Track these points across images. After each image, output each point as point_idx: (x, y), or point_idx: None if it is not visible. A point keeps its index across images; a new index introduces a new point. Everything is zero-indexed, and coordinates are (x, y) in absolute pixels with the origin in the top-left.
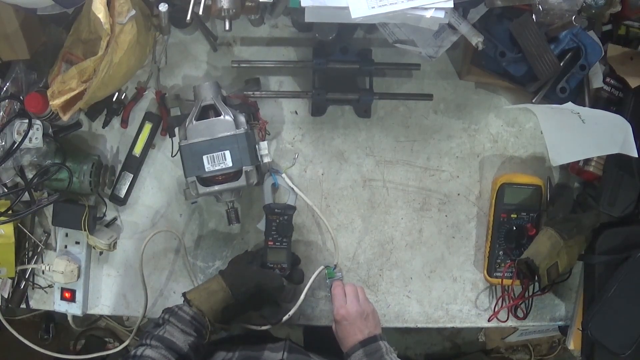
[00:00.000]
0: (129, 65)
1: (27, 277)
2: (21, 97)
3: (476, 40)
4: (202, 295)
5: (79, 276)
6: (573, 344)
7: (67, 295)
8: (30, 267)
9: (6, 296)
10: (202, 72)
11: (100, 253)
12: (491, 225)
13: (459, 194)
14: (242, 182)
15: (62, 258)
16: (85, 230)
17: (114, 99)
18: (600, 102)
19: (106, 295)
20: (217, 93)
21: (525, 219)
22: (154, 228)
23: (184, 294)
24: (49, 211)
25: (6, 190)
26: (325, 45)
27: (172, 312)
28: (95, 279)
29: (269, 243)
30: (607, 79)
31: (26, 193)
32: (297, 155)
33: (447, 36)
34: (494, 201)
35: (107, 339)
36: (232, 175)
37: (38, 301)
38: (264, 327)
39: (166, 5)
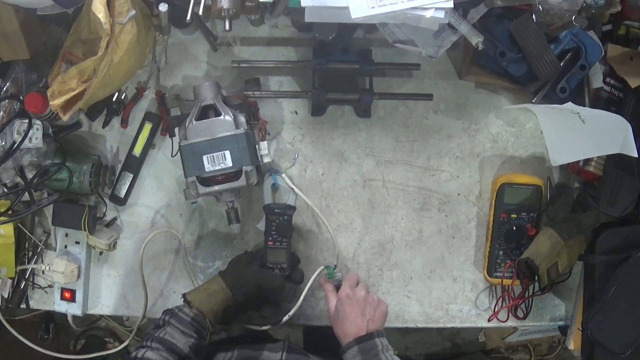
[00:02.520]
0: (129, 65)
1: (27, 277)
2: (21, 97)
3: (476, 40)
4: (202, 297)
5: (79, 276)
6: (573, 344)
7: (67, 295)
8: (30, 267)
9: (6, 296)
10: (202, 72)
11: (100, 253)
12: (491, 225)
13: (459, 194)
14: (242, 182)
15: (62, 258)
16: (85, 230)
17: (114, 99)
18: (600, 102)
19: (106, 295)
20: (217, 93)
21: (525, 219)
22: (154, 228)
23: (183, 295)
24: (49, 211)
25: (6, 190)
26: (325, 45)
27: (172, 313)
28: (95, 279)
29: (269, 243)
30: (607, 79)
31: (26, 193)
32: (297, 155)
33: (447, 36)
34: (494, 201)
35: (107, 339)
36: (232, 175)
37: (38, 301)
38: (264, 327)
39: (166, 5)
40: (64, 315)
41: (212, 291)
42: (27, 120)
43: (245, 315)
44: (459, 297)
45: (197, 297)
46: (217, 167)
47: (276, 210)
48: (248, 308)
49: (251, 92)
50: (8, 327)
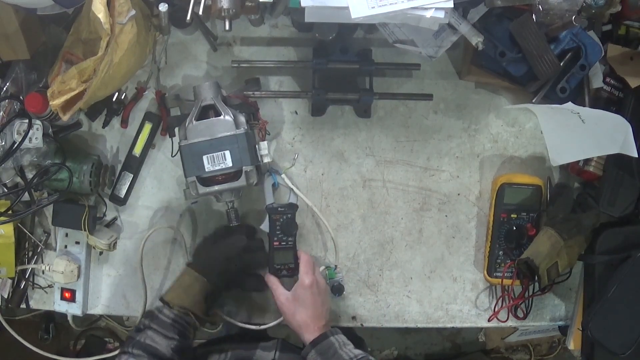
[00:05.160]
0: (129, 65)
1: (27, 277)
2: (21, 97)
3: (476, 40)
4: (179, 293)
5: (79, 276)
6: (573, 344)
7: (67, 295)
8: (30, 267)
9: (6, 296)
10: (202, 72)
11: (100, 253)
12: (491, 225)
13: (459, 194)
14: (242, 182)
15: (62, 258)
16: (85, 230)
17: (114, 99)
18: (600, 102)
19: (106, 295)
20: (217, 93)
21: (525, 219)
22: (153, 228)
23: (161, 298)
24: (49, 211)
25: (6, 190)
26: (325, 45)
27: (152, 316)
28: (95, 279)
29: (275, 244)
30: (607, 79)
31: (26, 193)
32: (297, 156)
33: (447, 36)
34: (494, 201)
35: (107, 339)
36: (232, 175)
37: (38, 301)
38: (262, 327)
39: (166, 5)
40: (64, 315)
41: (186, 285)
42: (27, 120)
43: (245, 315)
44: (459, 297)
45: (174, 295)
46: (217, 167)
47: (279, 209)
48: (230, 287)
49: (251, 92)
50: (8, 327)
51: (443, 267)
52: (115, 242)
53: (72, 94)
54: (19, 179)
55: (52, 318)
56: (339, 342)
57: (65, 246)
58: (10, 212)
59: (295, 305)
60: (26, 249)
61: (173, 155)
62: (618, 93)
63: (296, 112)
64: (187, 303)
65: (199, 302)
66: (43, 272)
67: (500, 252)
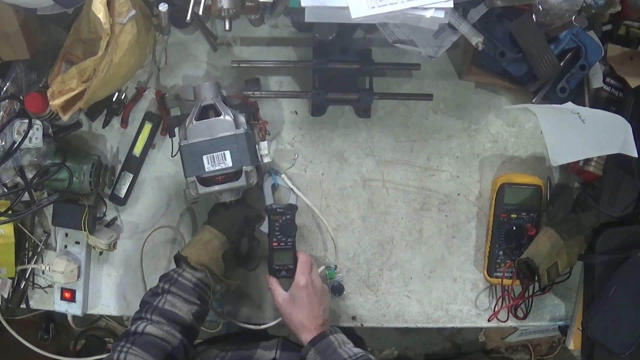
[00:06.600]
0: (129, 65)
1: (27, 277)
2: (21, 97)
3: (476, 40)
4: (198, 249)
5: (79, 276)
6: (573, 344)
7: (67, 295)
8: (30, 267)
9: (6, 296)
10: (202, 72)
11: (100, 253)
12: (491, 225)
13: (459, 194)
14: (242, 182)
15: (62, 258)
16: (85, 230)
17: (114, 99)
18: (600, 102)
19: (106, 295)
20: (217, 93)
21: (525, 219)
22: (153, 228)
23: (177, 254)
24: (49, 211)
25: (6, 190)
26: (325, 45)
27: (172, 280)
28: (95, 279)
29: (274, 244)
30: (607, 79)
31: (26, 193)
32: (297, 156)
33: (447, 36)
34: (494, 201)
35: (107, 339)
36: (232, 175)
37: (38, 301)
38: (262, 327)
39: (166, 5)
40: (64, 315)
41: (205, 240)
42: (27, 120)
43: (245, 315)
44: (459, 297)
45: (193, 251)
46: (217, 167)
47: (278, 209)
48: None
49: (251, 92)
50: (8, 327)
51: (443, 267)
52: (115, 242)
53: (72, 94)
54: (19, 179)
55: (52, 318)
56: (338, 341)
57: (65, 246)
58: (10, 212)
59: (292, 305)
60: (26, 249)
61: (173, 155)
62: (618, 93)
63: (296, 112)
64: (206, 259)
65: (217, 259)
66: (43, 272)
67: (500, 252)
